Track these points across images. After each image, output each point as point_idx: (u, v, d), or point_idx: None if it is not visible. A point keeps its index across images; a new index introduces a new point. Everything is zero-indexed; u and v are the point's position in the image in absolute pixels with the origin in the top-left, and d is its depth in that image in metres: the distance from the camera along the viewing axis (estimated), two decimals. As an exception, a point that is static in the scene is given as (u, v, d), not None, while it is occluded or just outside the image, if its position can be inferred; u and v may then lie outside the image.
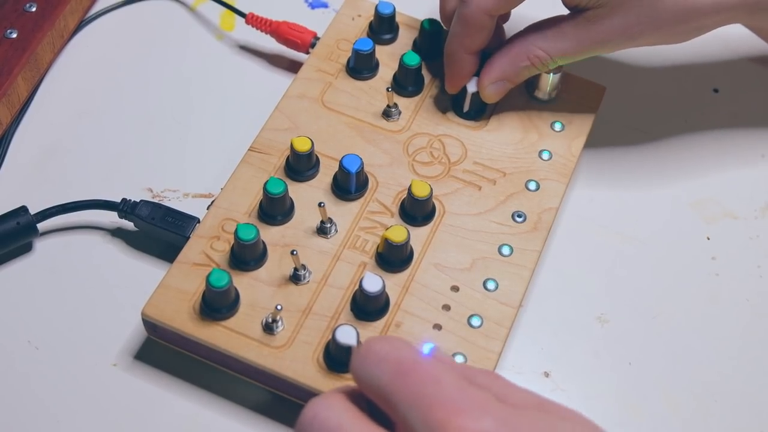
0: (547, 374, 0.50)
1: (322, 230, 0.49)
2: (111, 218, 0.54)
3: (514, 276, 0.49)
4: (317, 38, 0.58)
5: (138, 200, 0.52)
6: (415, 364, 0.34)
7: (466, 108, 0.54)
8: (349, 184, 0.50)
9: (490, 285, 0.48)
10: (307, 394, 0.44)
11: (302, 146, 0.50)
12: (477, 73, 0.53)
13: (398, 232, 0.47)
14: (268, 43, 0.61)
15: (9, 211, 0.52)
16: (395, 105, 0.54)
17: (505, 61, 0.51)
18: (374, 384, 0.34)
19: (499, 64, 0.51)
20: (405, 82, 0.54)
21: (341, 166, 0.50)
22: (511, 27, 0.55)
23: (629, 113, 0.60)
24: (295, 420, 0.37)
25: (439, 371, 0.34)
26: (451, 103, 0.54)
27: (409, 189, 0.49)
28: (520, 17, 0.55)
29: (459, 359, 0.46)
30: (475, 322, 0.47)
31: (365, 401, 0.36)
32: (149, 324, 0.47)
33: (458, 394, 0.33)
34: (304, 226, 0.50)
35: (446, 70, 0.53)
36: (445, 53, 0.52)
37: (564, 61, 0.51)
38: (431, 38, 0.55)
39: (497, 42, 0.53)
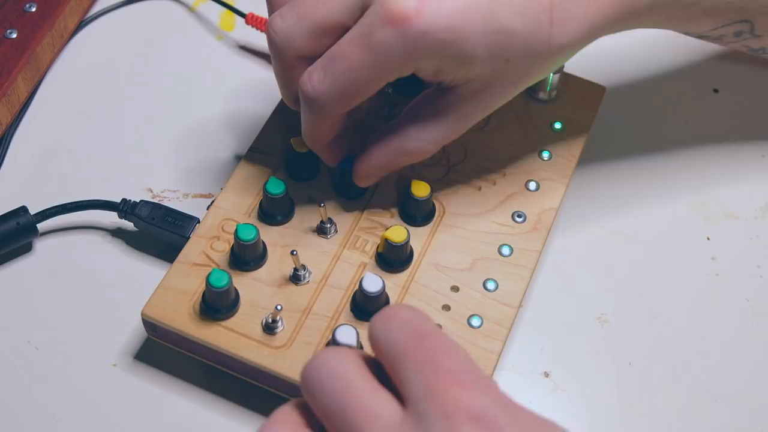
0: (547, 374, 0.50)
1: (322, 230, 0.49)
2: (111, 218, 0.54)
3: (514, 276, 0.49)
4: (317, 38, 0.58)
5: (138, 200, 0.52)
6: (433, 333, 0.35)
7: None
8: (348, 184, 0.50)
9: (490, 285, 0.48)
10: (307, 395, 0.44)
11: (302, 146, 0.50)
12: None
13: (398, 233, 0.47)
14: (268, 43, 0.61)
15: (9, 211, 0.52)
16: (396, 105, 0.54)
17: (383, 154, 0.48)
18: (389, 345, 0.35)
19: (377, 157, 0.48)
20: (406, 84, 0.54)
21: (342, 165, 0.49)
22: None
23: (629, 113, 0.60)
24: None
25: (453, 346, 0.35)
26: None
27: (409, 189, 0.49)
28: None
29: (459, 359, 0.46)
30: (475, 322, 0.47)
31: (375, 365, 0.36)
32: (149, 324, 0.47)
33: (465, 369, 0.34)
34: (304, 226, 0.50)
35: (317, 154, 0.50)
36: (307, 143, 0.49)
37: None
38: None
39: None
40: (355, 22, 0.43)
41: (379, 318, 0.36)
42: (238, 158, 0.52)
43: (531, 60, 0.45)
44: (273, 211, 0.49)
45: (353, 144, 0.49)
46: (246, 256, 0.48)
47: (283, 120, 0.53)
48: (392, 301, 0.47)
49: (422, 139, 0.47)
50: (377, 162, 0.48)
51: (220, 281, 0.45)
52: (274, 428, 0.35)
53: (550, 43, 0.44)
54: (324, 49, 0.44)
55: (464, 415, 0.32)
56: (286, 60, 0.45)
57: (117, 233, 0.54)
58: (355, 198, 0.50)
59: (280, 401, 0.47)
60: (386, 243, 0.47)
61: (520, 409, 0.34)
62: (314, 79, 0.44)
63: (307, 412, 0.36)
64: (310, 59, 0.44)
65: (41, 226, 0.52)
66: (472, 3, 0.42)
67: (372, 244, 0.49)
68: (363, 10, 0.43)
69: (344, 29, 0.43)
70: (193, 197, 0.56)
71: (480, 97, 0.46)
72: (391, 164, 0.48)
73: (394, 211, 0.50)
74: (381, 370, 0.36)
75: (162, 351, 0.49)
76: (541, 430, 0.33)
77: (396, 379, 0.35)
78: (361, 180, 0.49)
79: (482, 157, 0.53)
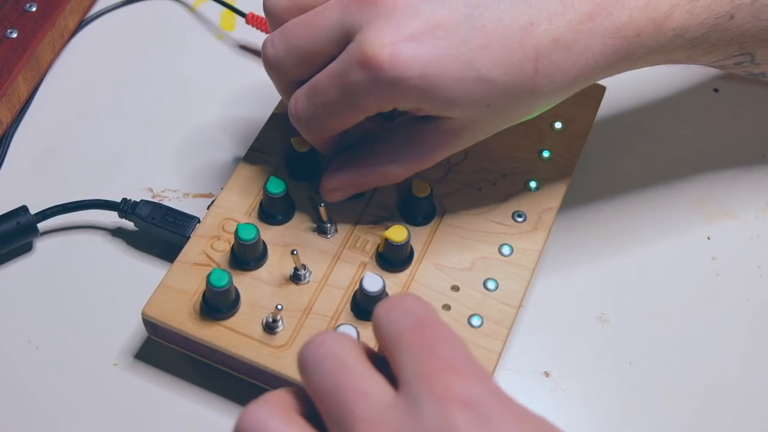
0: (547, 374, 0.50)
1: (322, 230, 0.49)
2: (111, 218, 0.54)
3: (515, 276, 0.49)
4: (317, 38, 0.58)
5: (138, 200, 0.52)
6: (435, 323, 0.35)
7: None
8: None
9: (491, 285, 0.48)
10: (308, 394, 0.44)
11: (303, 146, 0.50)
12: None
13: (398, 232, 0.47)
14: (269, 43, 0.61)
15: (9, 210, 0.52)
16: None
17: (353, 173, 0.48)
18: (391, 330, 0.35)
19: (347, 175, 0.48)
20: None
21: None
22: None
23: (629, 113, 0.60)
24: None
25: (454, 336, 0.35)
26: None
27: (410, 189, 0.49)
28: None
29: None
30: (476, 321, 0.47)
31: (373, 354, 0.36)
32: (149, 324, 0.47)
33: (462, 358, 0.34)
34: (304, 226, 0.50)
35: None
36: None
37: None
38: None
39: None
40: (341, 51, 0.43)
41: (385, 304, 0.36)
42: (239, 158, 0.52)
43: (514, 105, 0.44)
44: (273, 211, 0.49)
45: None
46: (246, 255, 0.48)
47: (284, 120, 0.53)
48: (392, 300, 0.47)
49: (396, 164, 0.47)
50: (346, 179, 0.48)
51: (220, 281, 0.45)
52: (264, 406, 0.35)
53: (533, 90, 0.43)
54: (313, 74, 0.45)
55: (456, 400, 0.32)
56: (279, 83, 0.47)
57: (117, 233, 0.54)
58: (355, 198, 0.50)
59: (281, 401, 0.47)
60: (386, 242, 0.47)
61: (512, 401, 0.34)
62: (299, 105, 0.45)
63: (299, 399, 0.36)
64: (301, 81, 0.46)
65: (41, 225, 0.52)
66: (449, 51, 0.42)
67: (372, 243, 0.49)
68: (347, 42, 0.43)
69: (331, 57, 0.44)
70: (193, 197, 0.56)
71: (459, 133, 0.46)
72: (360, 183, 0.48)
73: (395, 210, 0.50)
74: (380, 362, 0.36)
75: (162, 350, 0.49)
76: (532, 423, 0.33)
77: (392, 362, 0.35)
78: (326, 194, 0.49)
79: (482, 157, 0.53)
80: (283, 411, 0.35)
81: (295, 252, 0.47)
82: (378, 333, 0.36)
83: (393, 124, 0.48)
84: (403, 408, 0.33)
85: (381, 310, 0.36)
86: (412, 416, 0.32)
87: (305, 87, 0.45)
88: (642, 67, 0.46)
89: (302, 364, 0.36)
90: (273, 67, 0.46)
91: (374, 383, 0.34)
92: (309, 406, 0.36)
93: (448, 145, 0.46)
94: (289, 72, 0.46)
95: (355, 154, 0.48)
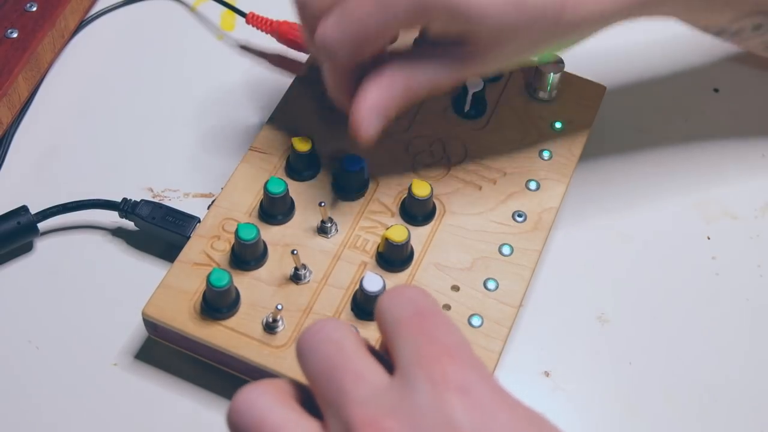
0: (547, 374, 0.50)
1: (322, 230, 0.49)
2: (111, 218, 0.54)
3: (515, 276, 0.49)
4: (317, 38, 0.58)
5: (138, 200, 0.52)
6: (436, 313, 0.35)
7: (466, 108, 0.54)
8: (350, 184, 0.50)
9: (491, 285, 0.48)
10: (308, 394, 0.44)
11: (303, 146, 0.50)
12: None
13: (398, 232, 0.47)
14: (269, 42, 0.61)
15: (9, 210, 0.52)
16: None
17: (384, 87, 0.46)
18: (393, 318, 0.35)
19: (374, 93, 0.46)
20: None
21: (342, 165, 0.50)
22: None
23: (629, 113, 0.60)
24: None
25: (453, 327, 0.35)
26: (451, 103, 0.54)
27: (410, 189, 0.49)
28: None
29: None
30: (476, 321, 0.47)
31: (299, 391, 0.36)
32: (150, 324, 0.47)
33: (460, 346, 0.34)
34: (304, 226, 0.50)
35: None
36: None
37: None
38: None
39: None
40: None
41: (388, 294, 0.37)
42: (239, 158, 0.52)
43: (536, 31, 0.45)
44: (273, 211, 0.49)
45: None
46: (246, 255, 0.48)
47: (284, 120, 0.53)
48: (393, 300, 0.47)
49: (424, 77, 0.46)
50: (374, 99, 0.45)
51: (220, 281, 0.45)
52: (257, 387, 0.35)
53: (558, 20, 0.44)
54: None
55: (451, 385, 0.32)
56: (307, 19, 0.46)
57: (117, 233, 0.54)
58: (355, 198, 0.50)
59: (281, 401, 0.47)
60: (387, 242, 0.47)
61: (505, 392, 0.34)
62: (327, 25, 0.44)
63: (294, 387, 0.36)
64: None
65: (42, 225, 0.52)
66: None
67: (372, 243, 0.49)
68: None
69: None
70: (193, 197, 0.56)
71: (486, 54, 0.46)
72: (388, 101, 0.45)
73: (395, 210, 0.50)
74: (378, 355, 0.36)
75: (163, 350, 0.49)
76: (524, 413, 0.34)
77: (390, 348, 0.35)
78: (357, 127, 0.45)
79: (482, 156, 0.53)
80: (276, 392, 0.35)
81: (295, 252, 0.47)
82: (379, 320, 0.36)
83: (421, 40, 0.48)
84: (398, 390, 0.33)
85: (384, 298, 0.36)
86: (407, 399, 0.32)
87: (336, 7, 0.44)
88: (665, 13, 0.48)
89: (300, 349, 0.36)
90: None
91: (370, 367, 0.34)
92: (304, 395, 0.36)
93: (475, 62, 0.46)
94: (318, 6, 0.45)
95: (380, 71, 0.46)
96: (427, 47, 0.47)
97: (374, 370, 0.34)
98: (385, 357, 0.36)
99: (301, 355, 0.36)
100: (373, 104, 0.45)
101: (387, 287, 0.46)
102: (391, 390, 0.33)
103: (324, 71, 0.48)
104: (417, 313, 0.35)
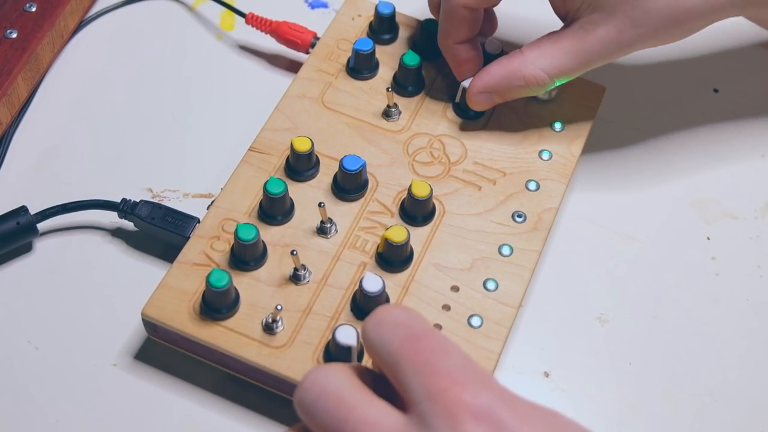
0: (547, 374, 0.50)
1: (322, 230, 0.49)
2: (111, 218, 0.54)
3: (514, 276, 0.49)
4: (317, 38, 0.58)
5: (138, 200, 0.52)
6: (427, 333, 0.35)
7: (459, 101, 0.54)
8: (349, 184, 0.50)
9: (490, 285, 0.48)
10: (307, 394, 0.44)
11: (302, 146, 0.50)
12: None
13: (398, 232, 0.47)
14: (268, 43, 0.61)
15: (9, 211, 0.52)
16: (395, 105, 0.54)
17: (500, 74, 0.51)
18: (384, 348, 0.35)
19: (493, 76, 0.51)
20: (405, 82, 0.54)
21: (341, 166, 0.50)
22: (507, 27, 0.55)
23: (629, 113, 0.60)
24: (294, 420, 0.37)
25: (448, 344, 0.35)
26: (451, 103, 0.54)
27: (409, 189, 0.49)
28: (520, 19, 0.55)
29: (459, 359, 0.46)
30: (475, 322, 0.47)
31: (370, 376, 0.36)
32: (149, 324, 0.47)
33: (463, 367, 0.34)
34: (304, 226, 0.50)
35: (447, 61, 0.53)
36: (439, 45, 0.53)
37: (562, 80, 0.50)
38: (431, 38, 0.55)
39: (489, 28, 0.54)
40: None
41: (371, 320, 0.36)
42: (239, 158, 0.52)
43: (655, 13, 0.47)
44: (273, 211, 0.49)
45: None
46: (246, 256, 0.48)
47: (284, 120, 0.53)
48: (392, 300, 0.47)
49: (538, 67, 0.50)
50: (491, 80, 0.51)
51: (220, 281, 0.45)
52: (328, 368, 0.35)
53: (676, 3, 0.47)
54: None
55: (467, 413, 0.32)
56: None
57: (117, 233, 0.54)
58: (355, 198, 0.50)
59: (280, 401, 0.47)
60: (386, 243, 0.47)
61: (520, 400, 0.34)
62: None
63: (366, 373, 0.36)
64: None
65: (41, 226, 0.52)
66: None
67: (372, 243, 0.49)
68: None
69: None
70: (193, 197, 0.56)
71: (601, 33, 0.48)
72: (505, 87, 0.51)
73: (394, 210, 0.50)
74: (378, 380, 0.36)
75: (162, 351, 0.49)
76: (543, 419, 0.34)
77: (396, 382, 0.35)
78: (473, 98, 0.52)
79: (482, 157, 0.53)
80: (349, 374, 0.35)
81: (294, 252, 0.47)
82: (371, 351, 0.36)
83: (540, 37, 0.51)
84: (416, 429, 0.33)
85: (368, 326, 0.36)
86: None
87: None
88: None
89: (301, 409, 0.35)
90: None
91: (377, 410, 0.34)
92: (378, 382, 0.36)
93: (589, 47, 0.49)
94: None
95: (502, 59, 0.51)
96: (551, 37, 0.50)
97: (383, 412, 0.34)
98: (383, 378, 0.36)
99: (304, 415, 0.35)
100: (488, 86, 0.51)
101: (387, 288, 0.46)
102: (409, 429, 0.33)
103: (440, 13, 0.52)
104: (408, 337, 0.35)
